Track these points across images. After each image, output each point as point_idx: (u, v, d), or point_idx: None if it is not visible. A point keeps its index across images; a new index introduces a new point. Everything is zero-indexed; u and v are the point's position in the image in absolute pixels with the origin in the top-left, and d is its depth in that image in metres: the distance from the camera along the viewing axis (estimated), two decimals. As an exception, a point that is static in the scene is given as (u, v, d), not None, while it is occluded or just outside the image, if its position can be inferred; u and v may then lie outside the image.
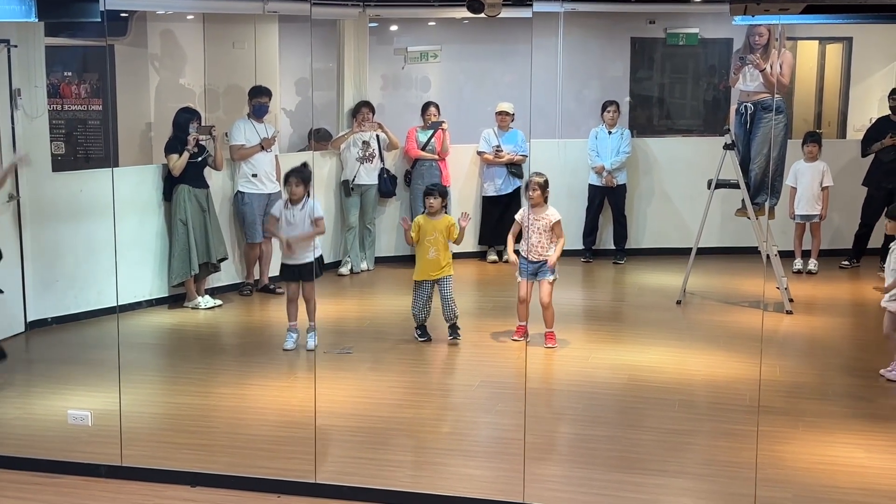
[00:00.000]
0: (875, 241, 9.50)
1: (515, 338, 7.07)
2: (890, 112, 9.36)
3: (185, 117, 7.95)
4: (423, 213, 7.19)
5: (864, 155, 9.47)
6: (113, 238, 6.01)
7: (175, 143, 7.90)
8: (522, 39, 9.97)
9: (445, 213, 7.22)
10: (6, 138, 7.12)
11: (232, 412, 5.83)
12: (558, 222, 6.92)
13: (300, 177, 6.82)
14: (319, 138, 9.46)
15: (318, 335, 6.91)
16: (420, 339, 7.10)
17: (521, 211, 7.08)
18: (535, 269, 6.92)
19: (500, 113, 9.72)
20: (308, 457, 4.94)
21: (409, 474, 4.97)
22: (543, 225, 6.90)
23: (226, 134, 8.41)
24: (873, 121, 9.74)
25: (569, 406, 6.00)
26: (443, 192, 7.20)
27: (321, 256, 7.09)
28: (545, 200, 6.96)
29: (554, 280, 6.94)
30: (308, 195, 6.85)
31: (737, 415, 5.69)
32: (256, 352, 7.08)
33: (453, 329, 7.10)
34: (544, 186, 6.93)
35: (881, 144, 9.31)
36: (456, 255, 9.64)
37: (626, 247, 9.91)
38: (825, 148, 9.44)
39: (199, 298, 8.05)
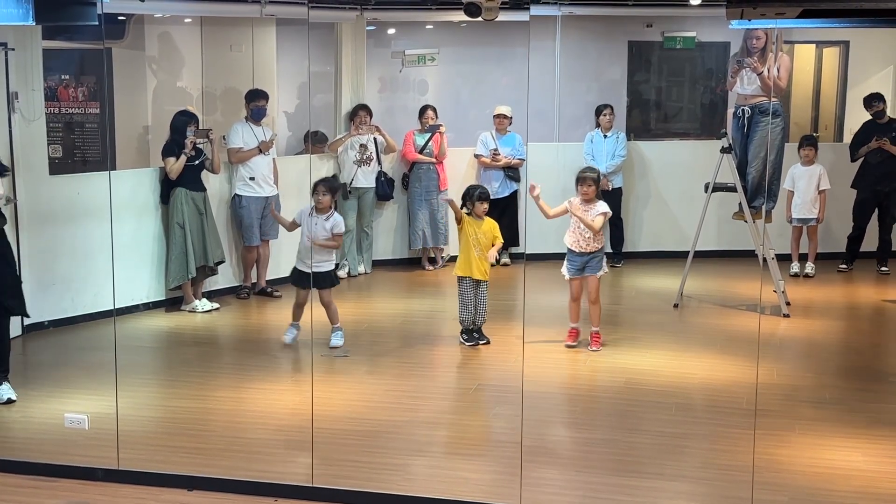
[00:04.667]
0: (870, 244, 9.52)
1: (568, 343, 7.01)
2: (872, 116, 9.43)
3: (183, 120, 7.95)
4: (467, 213, 7.06)
5: (853, 159, 9.51)
6: (110, 241, 6.00)
7: (172, 147, 7.90)
8: (520, 43, 9.98)
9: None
10: (3, 141, 7.12)
11: (229, 416, 5.83)
12: (607, 213, 6.93)
13: (328, 186, 6.90)
14: (316, 141, 9.47)
15: (343, 334, 6.99)
16: (467, 344, 7.04)
17: (572, 199, 7.01)
18: (584, 264, 6.90)
19: (497, 116, 9.73)
20: (305, 460, 4.94)
21: (406, 478, 4.97)
22: (587, 219, 6.85)
23: (223, 137, 8.41)
24: (860, 125, 9.81)
25: (566, 409, 6.01)
26: (485, 196, 7.12)
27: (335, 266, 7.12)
28: (597, 195, 6.97)
29: (602, 275, 6.93)
30: (334, 207, 6.90)
31: (734, 418, 5.69)
32: (254, 355, 7.07)
33: (479, 332, 7.09)
34: (598, 181, 6.96)
35: (868, 148, 9.36)
36: (453, 259, 9.68)
37: (623, 250, 9.92)
38: (822, 151, 9.45)
39: (197, 302, 8.05)
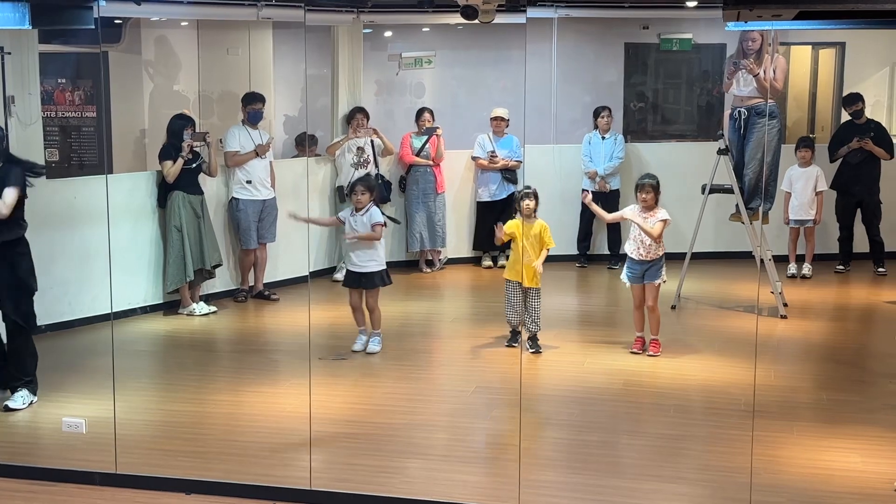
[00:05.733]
0: (861, 245, 9.52)
1: (633, 350, 6.94)
2: (851, 117, 9.45)
3: (180, 124, 7.94)
4: (516, 216, 6.97)
5: (832, 160, 9.52)
6: (107, 245, 6.00)
7: (169, 150, 7.89)
8: (516, 45, 9.99)
9: (535, 217, 6.92)
10: None
11: (227, 419, 5.83)
12: (667, 220, 6.81)
13: (366, 185, 6.94)
14: (301, 142, 9.49)
15: (381, 340, 6.98)
16: (506, 344, 7.02)
17: (631, 207, 6.95)
18: (644, 272, 6.84)
19: (494, 118, 9.73)
20: (303, 463, 4.94)
21: (405, 480, 4.96)
22: (648, 227, 6.76)
23: (220, 140, 8.40)
24: (838, 126, 9.86)
25: (564, 411, 6.00)
26: (536, 195, 6.94)
27: (385, 268, 7.00)
28: (656, 203, 6.85)
29: (661, 283, 6.84)
30: (372, 202, 6.93)
31: (732, 419, 5.69)
32: (251, 358, 7.07)
33: (533, 341, 7.00)
34: (657, 188, 6.81)
35: (849, 148, 9.37)
36: (451, 261, 9.70)
37: (621, 252, 9.90)
38: (819, 153, 9.47)
39: (194, 305, 8.04)
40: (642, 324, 6.94)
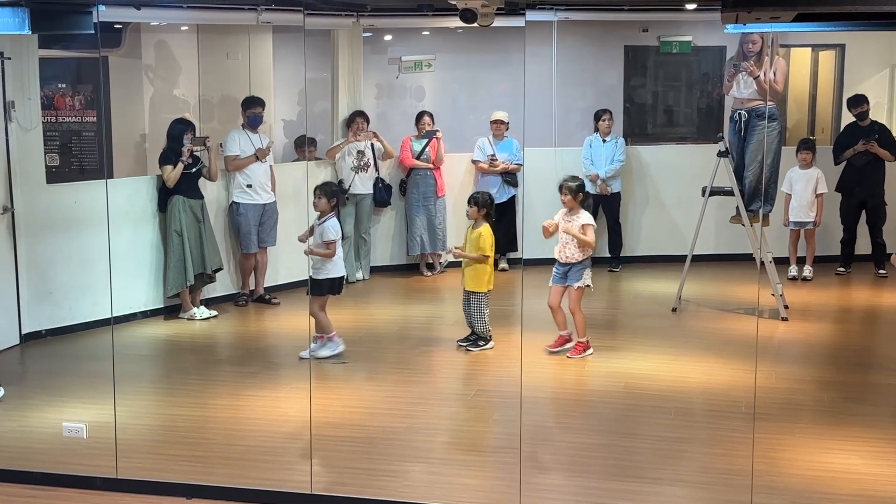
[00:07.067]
0: (863, 247, 9.52)
1: (551, 349, 7.00)
2: (855, 119, 9.44)
3: (180, 128, 7.95)
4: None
5: (836, 162, 9.52)
6: (108, 249, 6.00)
7: (169, 154, 7.90)
8: (516, 48, 9.99)
9: (490, 221, 7.10)
10: (0, 151, 7.12)
11: (228, 423, 5.83)
12: (588, 225, 6.86)
13: (323, 190, 6.88)
14: (300, 144, 9.50)
15: (338, 344, 6.97)
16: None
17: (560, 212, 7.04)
18: (565, 273, 6.90)
19: (494, 121, 9.73)
20: (304, 467, 4.94)
21: (406, 484, 4.96)
22: (575, 227, 6.85)
23: (220, 144, 8.41)
24: (842, 128, 9.85)
25: (565, 414, 6.00)
26: (480, 201, 7.09)
27: (337, 278, 6.93)
28: (579, 204, 6.90)
29: (581, 286, 6.86)
30: (335, 211, 6.87)
31: (733, 422, 5.69)
32: (252, 362, 7.06)
33: (474, 341, 7.12)
34: (574, 191, 6.87)
35: (854, 150, 9.36)
36: (451, 265, 9.68)
37: (621, 254, 9.92)
38: (819, 155, 9.46)
39: (195, 309, 8.04)
40: (564, 323, 6.98)
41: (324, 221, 6.81)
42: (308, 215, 6.98)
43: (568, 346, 6.96)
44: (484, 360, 7.00)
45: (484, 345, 7.06)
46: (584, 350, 6.92)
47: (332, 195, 6.87)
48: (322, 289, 6.85)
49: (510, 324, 7.57)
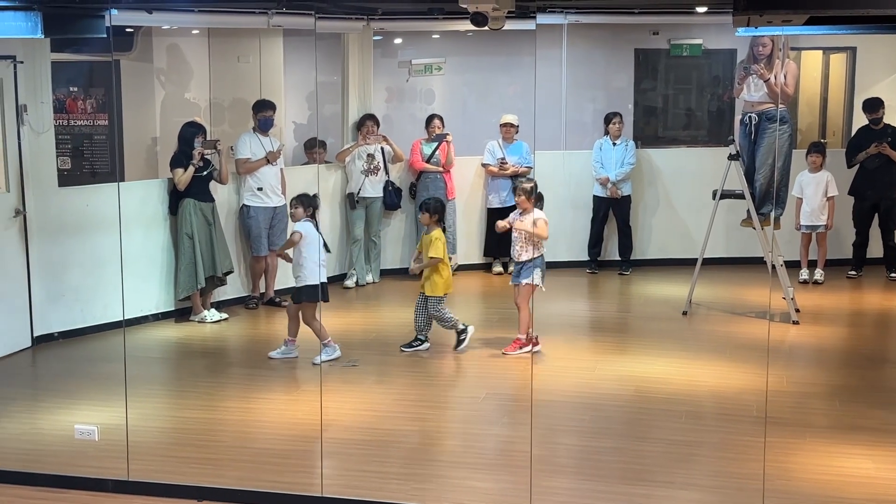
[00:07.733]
0: (875, 250, 9.49)
1: (505, 350, 7.07)
2: (869, 122, 9.42)
3: (191, 131, 7.98)
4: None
5: (849, 165, 9.49)
6: (119, 252, 6.02)
7: (180, 158, 7.92)
8: (526, 51, 9.99)
9: (441, 227, 7.26)
10: (13, 154, 7.15)
11: (238, 426, 5.84)
12: (539, 219, 6.97)
13: (299, 199, 6.95)
14: (310, 147, 9.52)
15: (334, 349, 6.98)
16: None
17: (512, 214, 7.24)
18: (519, 270, 7.07)
19: (504, 125, 9.73)
20: (314, 470, 4.94)
21: (416, 487, 4.96)
22: (526, 226, 6.99)
23: (231, 148, 8.43)
24: (854, 131, 9.81)
25: (575, 418, 5.99)
26: (431, 208, 7.22)
27: (314, 285, 6.88)
28: (533, 206, 7.05)
29: (530, 284, 6.95)
30: (310, 219, 6.90)
31: (744, 426, 5.68)
32: (263, 365, 7.07)
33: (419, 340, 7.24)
34: (529, 192, 7.07)
35: (867, 153, 9.34)
36: (461, 267, 9.69)
37: (632, 258, 9.90)
38: (830, 158, 9.44)
39: (206, 312, 8.06)
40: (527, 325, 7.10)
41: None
42: (317, 219, 7.01)
43: (536, 348, 7.03)
44: (494, 363, 7.00)
45: (419, 346, 7.17)
46: (520, 347, 7.01)
47: (308, 205, 6.96)
48: (300, 295, 6.89)
49: (517, 328, 7.56)
